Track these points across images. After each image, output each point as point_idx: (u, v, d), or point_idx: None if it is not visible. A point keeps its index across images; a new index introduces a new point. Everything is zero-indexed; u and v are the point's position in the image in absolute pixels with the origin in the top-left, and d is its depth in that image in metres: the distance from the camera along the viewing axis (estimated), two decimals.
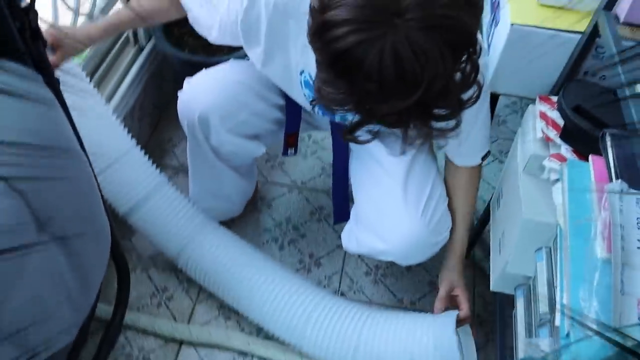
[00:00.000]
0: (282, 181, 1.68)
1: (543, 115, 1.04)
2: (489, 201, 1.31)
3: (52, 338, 0.77)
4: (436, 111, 0.76)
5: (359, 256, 1.50)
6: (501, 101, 1.43)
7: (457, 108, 0.79)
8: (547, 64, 1.10)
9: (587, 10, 1.04)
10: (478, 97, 0.80)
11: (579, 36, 1.03)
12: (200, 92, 1.18)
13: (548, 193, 0.96)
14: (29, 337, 0.72)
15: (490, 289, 1.14)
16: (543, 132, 1.01)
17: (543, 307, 0.85)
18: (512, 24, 1.05)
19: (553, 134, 1.00)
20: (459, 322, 1.17)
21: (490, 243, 1.21)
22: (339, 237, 1.39)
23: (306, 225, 1.57)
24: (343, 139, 0.88)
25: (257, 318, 1.28)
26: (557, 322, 0.72)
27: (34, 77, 0.80)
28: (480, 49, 0.77)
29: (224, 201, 1.43)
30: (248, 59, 1.24)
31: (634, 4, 0.92)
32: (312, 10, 0.73)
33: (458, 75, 0.75)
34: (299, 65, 1.05)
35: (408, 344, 1.15)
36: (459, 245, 1.23)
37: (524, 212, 0.99)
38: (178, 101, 1.20)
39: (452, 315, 1.16)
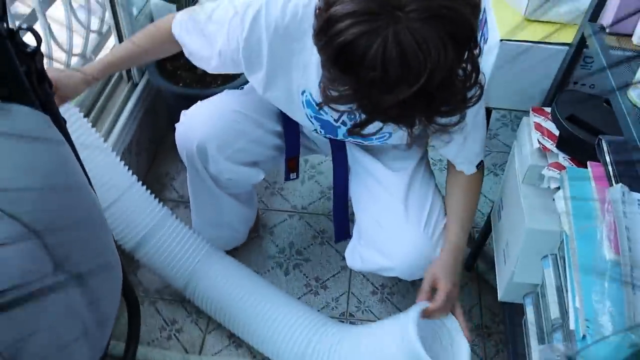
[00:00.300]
0: (282, 207, 1.70)
1: (538, 127, 1.06)
2: (489, 214, 1.33)
3: None
4: (442, 108, 0.79)
5: (364, 276, 1.51)
6: (492, 115, 1.45)
7: (461, 105, 0.82)
8: (537, 77, 1.13)
9: (574, 22, 1.08)
10: (480, 96, 0.83)
11: (566, 48, 1.06)
12: (197, 123, 1.19)
13: (549, 201, 0.98)
14: None
15: (499, 299, 1.16)
16: (539, 142, 1.03)
17: (554, 312, 0.87)
18: (501, 40, 1.08)
19: (549, 144, 1.02)
20: (431, 314, 1.11)
21: (494, 255, 1.23)
22: (343, 258, 1.40)
23: (309, 249, 1.58)
24: (349, 133, 0.89)
25: (261, 347, 1.28)
26: (572, 326, 0.74)
27: (42, 119, 0.81)
28: (480, 49, 0.79)
29: (227, 230, 1.44)
30: (242, 89, 1.27)
31: (618, 13, 0.95)
32: (317, 11, 0.76)
33: (460, 72, 0.78)
34: (300, 86, 1.07)
35: (380, 342, 1.15)
36: (451, 241, 1.18)
37: (527, 222, 1.01)
38: (176, 133, 1.21)
39: (416, 307, 1.10)
